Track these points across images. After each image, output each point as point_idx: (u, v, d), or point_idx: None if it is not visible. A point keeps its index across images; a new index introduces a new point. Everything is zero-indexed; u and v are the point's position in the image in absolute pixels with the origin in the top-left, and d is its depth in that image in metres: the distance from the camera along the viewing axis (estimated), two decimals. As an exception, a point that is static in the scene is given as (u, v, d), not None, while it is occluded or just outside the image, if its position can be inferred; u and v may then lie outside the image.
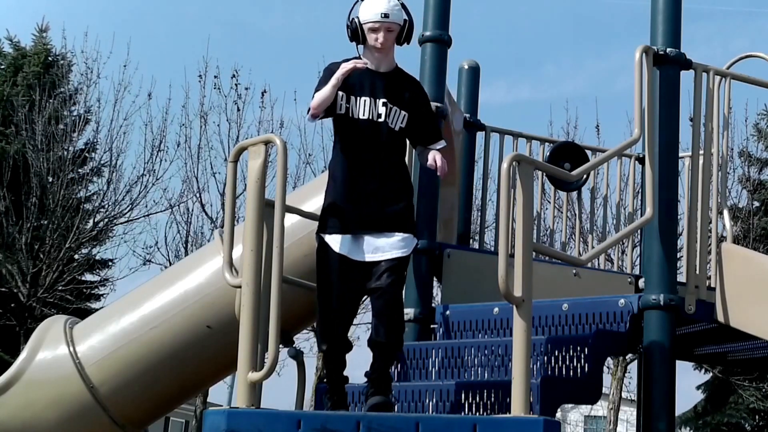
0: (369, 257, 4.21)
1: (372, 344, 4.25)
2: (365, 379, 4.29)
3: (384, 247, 4.21)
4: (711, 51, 52.44)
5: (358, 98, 4.31)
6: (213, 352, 5.29)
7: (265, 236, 4.07)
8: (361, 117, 4.30)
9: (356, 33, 4.35)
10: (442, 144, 4.46)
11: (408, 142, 4.49)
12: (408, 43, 4.58)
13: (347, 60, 4.37)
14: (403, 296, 4.52)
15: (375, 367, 4.23)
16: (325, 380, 4.41)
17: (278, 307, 3.89)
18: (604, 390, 14.76)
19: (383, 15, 4.30)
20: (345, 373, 4.33)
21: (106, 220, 18.55)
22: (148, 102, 18.73)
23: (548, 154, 6.59)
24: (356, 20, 4.35)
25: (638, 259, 11.54)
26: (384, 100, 4.32)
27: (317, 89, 4.32)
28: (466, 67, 6.71)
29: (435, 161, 4.31)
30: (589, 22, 56.97)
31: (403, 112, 4.35)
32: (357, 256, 4.21)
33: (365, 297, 4.50)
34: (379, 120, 4.31)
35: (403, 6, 4.39)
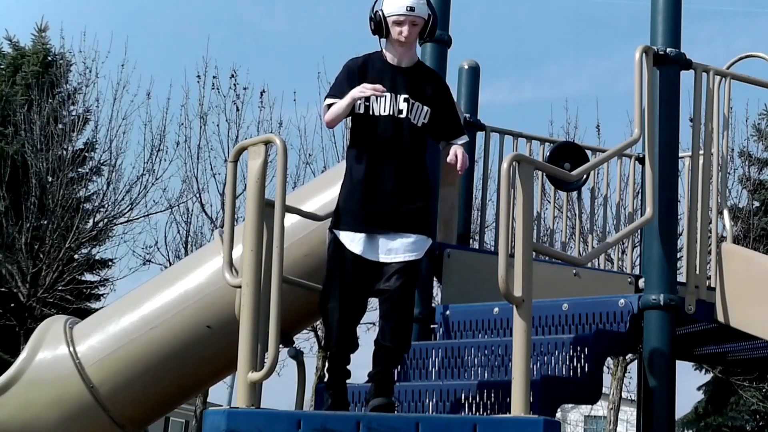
0: (383, 258, 4.16)
1: (377, 346, 4.23)
2: (366, 379, 4.28)
3: (398, 249, 4.17)
4: (713, 51, 52.51)
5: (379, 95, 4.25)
6: (213, 352, 5.29)
7: (265, 236, 4.06)
8: (381, 113, 4.25)
9: (380, 26, 4.29)
10: (464, 139, 4.38)
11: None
12: (431, 39, 4.54)
13: (369, 55, 4.34)
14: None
15: (379, 368, 4.21)
16: (325, 378, 4.38)
17: (278, 307, 3.88)
18: (604, 390, 14.76)
19: (409, 8, 4.24)
20: (348, 367, 4.30)
21: (106, 220, 18.55)
22: (147, 102, 18.79)
23: (548, 154, 6.58)
24: (380, 13, 4.29)
25: (638, 259, 11.54)
26: (406, 95, 4.26)
27: (331, 92, 4.30)
28: (466, 67, 6.70)
29: (456, 156, 4.23)
30: (592, 21, 56.99)
31: (425, 108, 4.29)
32: (371, 255, 4.17)
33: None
34: (401, 116, 4.25)
35: (428, 0, 4.35)
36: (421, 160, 4.31)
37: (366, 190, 4.20)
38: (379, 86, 4.18)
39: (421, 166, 4.31)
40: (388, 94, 4.25)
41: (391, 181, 4.20)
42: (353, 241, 4.18)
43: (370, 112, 4.25)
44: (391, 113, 4.25)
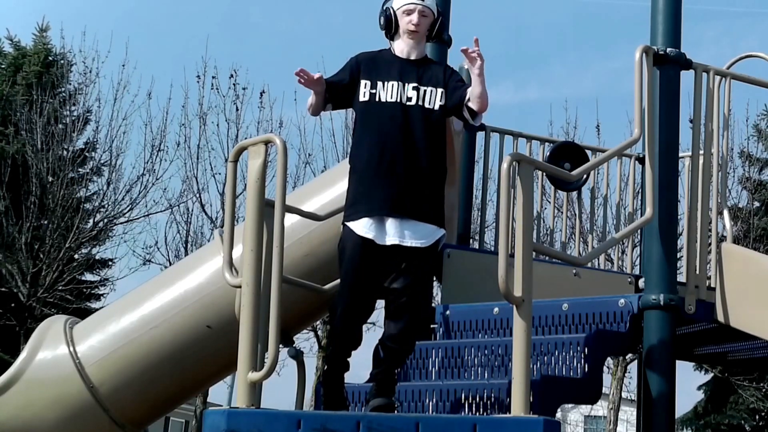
0: (390, 240, 4.15)
1: (381, 346, 4.23)
2: (366, 379, 4.27)
3: (406, 234, 4.16)
4: (720, 51, 52.48)
5: (386, 83, 4.30)
6: (213, 352, 5.29)
7: (265, 236, 4.07)
8: (388, 100, 4.28)
9: (389, 22, 4.38)
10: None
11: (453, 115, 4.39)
12: (439, 39, 4.55)
13: (380, 50, 4.42)
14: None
15: (381, 368, 4.21)
16: (325, 367, 4.35)
17: (278, 307, 3.88)
18: (604, 390, 14.76)
19: None
20: (348, 360, 4.29)
21: (106, 219, 18.55)
22: (148, 102, 18.80)
23: (548, 154, 6.58)
24: (390, 8, 4.38)
25: (638, 259, 11.53)
26: (414, 84, 4.30)
27: (329, 80, 4.36)
28: (466, 67, 6.69)
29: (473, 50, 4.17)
30: (596, 22, 56.99)
31: (439, 90, 4.32)
32: (380, 239, 4.16)
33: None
34: (409, 103, 4.27)
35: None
36: (434, 148, 4.28)
37: (372, 177, 4.20)
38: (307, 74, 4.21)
39: (435, 154, 4.28)
40: (395, 83, 4.29)
41: (401, 167, 4.19)
42: (363, 227, 4.18)
43: (376, 99, 4.28)
44: (399, 100, 4.27)
